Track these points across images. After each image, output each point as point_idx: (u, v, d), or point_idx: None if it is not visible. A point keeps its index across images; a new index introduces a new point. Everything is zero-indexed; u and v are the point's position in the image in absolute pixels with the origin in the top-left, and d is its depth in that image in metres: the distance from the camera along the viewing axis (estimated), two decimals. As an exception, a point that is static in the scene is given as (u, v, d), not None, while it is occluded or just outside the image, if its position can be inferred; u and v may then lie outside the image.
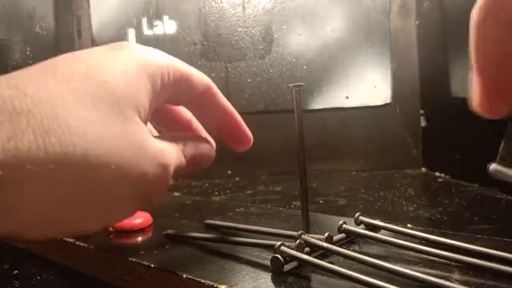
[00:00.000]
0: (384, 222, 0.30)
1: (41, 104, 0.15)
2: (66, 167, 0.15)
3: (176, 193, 0.49)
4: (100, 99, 0.17)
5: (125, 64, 0.19)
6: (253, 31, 0.64)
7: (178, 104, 0.25)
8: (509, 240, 0.27)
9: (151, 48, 0.22)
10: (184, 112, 0.27)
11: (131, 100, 0.18)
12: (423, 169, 0.62)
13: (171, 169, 0.21)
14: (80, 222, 0.18)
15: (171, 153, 0.21)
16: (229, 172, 0.61)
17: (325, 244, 0.25)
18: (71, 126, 0.16)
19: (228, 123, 0.26)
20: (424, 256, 0.25)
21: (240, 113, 0.27)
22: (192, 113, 0.27)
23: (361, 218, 0.30)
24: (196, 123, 0.27)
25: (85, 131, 0.16)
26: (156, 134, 0.24)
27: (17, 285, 0.29)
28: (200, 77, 0.24)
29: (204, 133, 0.27)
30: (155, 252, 0.28)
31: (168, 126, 0.27)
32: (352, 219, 0.31)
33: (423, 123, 0.63)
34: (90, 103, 0.17)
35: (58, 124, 0.15)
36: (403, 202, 0.41)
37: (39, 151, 0.15)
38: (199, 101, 0.24)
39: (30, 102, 0.15)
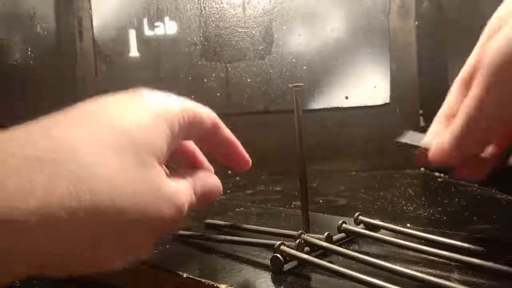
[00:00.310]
0: (384, 222, 0.30)
1: (71, 152, 0.16)
2: (95, 213, 0.16)
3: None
4: (122, 148, 0.18)
5: (143, 113, 0.21)
6: (253, 32, 0.64)
7: (188, 139, 0.27)
8: (508, 240, 0.27)
9: (166, 94, 0.24)
10: (189, 143, 0.28)
11: (150, 147, 0.20)
12: (423, 169, 0.62)
13: (185, 208, 0.22)
14: (101, 261, 0.19)
15: (185, 192, 0.22)
16: (229, 172, 0.62)
17: (324, 244, 0.25)
18: (98, 173, 0.17)
19: (229, 151, 0.28)
20: (424, 255, 0.25)
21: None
22: (197, 144, 0.28)
23: (361, 218, 0.30)
24: (199, 154, 0.29)
25: (111, 178, 0.17)
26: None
27: (18, 285, 0.29)
28: (208, 114, 0.25)
29: (206, 163, 0.29)
30: (155, 251, 0.28)
31: (174, 158, 0.28)
32: (352, 219, 0.31)
33: (422, 123, 0.63)
34: (112, 151, 0.18)
35: (87, 172, 0.16)
36: (403, 202, 0.42)
37: (71, 198, 0.15)
38: (206, 134, 0.26)
39: (61, 150, 0.16)
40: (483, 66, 0.22)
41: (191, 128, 0.24)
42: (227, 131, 0.27)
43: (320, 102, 0.64)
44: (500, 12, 0.24)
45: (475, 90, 0.23)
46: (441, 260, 0.24)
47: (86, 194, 0.16)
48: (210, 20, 0.64)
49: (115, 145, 0.18)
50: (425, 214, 0.37)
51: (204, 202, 0.25)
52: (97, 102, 0.21)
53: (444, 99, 0.30)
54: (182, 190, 0.22)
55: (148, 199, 0.19)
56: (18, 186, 0.15)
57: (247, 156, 0.29)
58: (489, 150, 0.26)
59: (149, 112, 0.21)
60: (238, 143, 0.28)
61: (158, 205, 0.19)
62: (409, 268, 0.21)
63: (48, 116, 0.19)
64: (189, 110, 0.23)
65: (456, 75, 0.29)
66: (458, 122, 0.24)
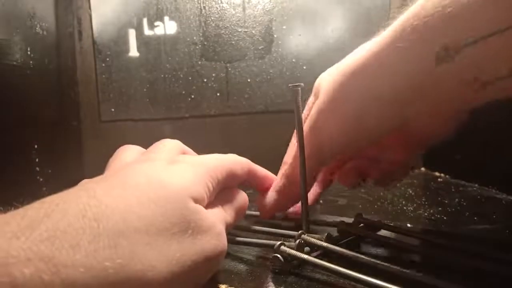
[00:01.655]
0: (384, 222, 0.30)
1: (114, 211, 0.18)
2: (132, 263, 0.17)
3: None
4: (160, 196, 0.19)
5: (181, 173, 0.22)
6: (253, 31, 0.64)
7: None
8: (508, 240, 0.27)
9: (199, 158, 0.25)
10: None
11: (189, 192, 0.21)
12: (423, 169, 0.62)
13: (224, 235, 0.22)
14: None
15: (218, 218, 0.23)
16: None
17: (324, 244, 0.25)
18: (136, 226, 0.18)
19: (261, 184, 0.32)
20: (424, 255, 0.25)
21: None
22: None
23: (361, 218, 0.30)
24: None
25: (147, 227, 0.18)
26: None
27: None
28: (242, 167, 0.28)
29: None
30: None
31: None
32: (352, 219, 0.31)
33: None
34: (151, 202, 0.19)
35: (126, 227, 0.17)
36: (403, 202, 0.42)
37: (111, 250, 0.16)
38: (242, 180, 0.28)
39: (106, 209, 0.17)
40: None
41: (227, 182, 0.26)
42: (259, 171, 0.31)
43: (320, 102, 0.64)
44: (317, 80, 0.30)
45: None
46: (441, 260, 0.24)
47: (125, 248, 0.17)
48: (210, 19, 0.64)
49: (153, 197, 0.19)
50: (425, 214, 0.37)
51: (238, 219, 0.27)
52: (140, 168, 0.22)
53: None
54: (216, 217, 0.23)
55: (186, 237, 0.19)
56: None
57: (272, 176, 0.32)
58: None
59: (186, 173, 0.22)
60: (266, 174, 0.32)
61: (202, 244, 0.20)
62: (409, 269, 0.21)
63: (91, 179, 0.21)
64: (224, 169, 0.25)
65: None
66: (278, 181, 0.32)
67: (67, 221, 0.16)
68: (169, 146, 0.26)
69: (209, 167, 0.24)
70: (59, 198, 0.17)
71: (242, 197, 0.27)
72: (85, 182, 0.21)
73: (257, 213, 0.36)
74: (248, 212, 0.36)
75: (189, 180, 0.22)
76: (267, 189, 0.32)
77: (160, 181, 0.20)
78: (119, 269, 0.16)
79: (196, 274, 0.20)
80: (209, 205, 0.23)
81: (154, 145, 0.26)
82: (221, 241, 0.21)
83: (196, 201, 0.21)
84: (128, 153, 0.26)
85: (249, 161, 0.29)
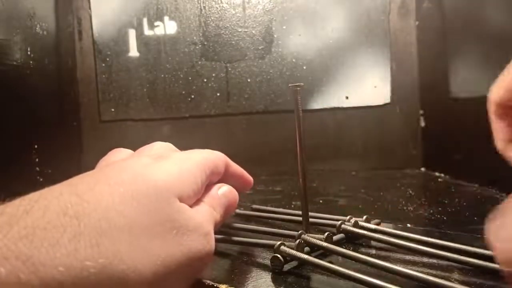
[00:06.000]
0: (384, 222, 0.30)
1: (95, 208, 0.17)
2: (115, 263, 0.17)
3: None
4: (143, 194, 0.19)
5: (167, 169, 0.21)
6: (253, 31, 0.64)
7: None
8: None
9: (186, 154, 0.25)
10: None
11: (174, 189, 0.20)
12: (423, 169, 0.62)
13: (212, 234, 0.22)
14: None
15: (206, 217, 0.22)
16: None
17: (324, 244, 0.25)
18: (118, 225, 0.17)
19: (236, 180, 0.29)
20: (423, 256, 0.25)
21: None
22: None
23: (360, 218, 0.30)
24: None
25: (130, 226, 0.18)
26: None
27: None
28: (222, 160, 0.27)
29: None
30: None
31: None
32: (352, 219, 0.31)
33: (422, 123, 0.63)
34: (134, 199, 0.18)
35: (109, 225, 0.17)
36: (403, 202, 0.41)
37: (93, 250, 0.16)
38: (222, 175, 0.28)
39: (87, 207, 0.17)
40: None
41: (213, 177, 0.25)
42: (234, 165, 0.29)
43: (320, 102, 0.64)
44: None
45: None
46: (441, 260, 0.24)
47: (107, 245, 0.16)
48: (210, 19, 0.64)
49: (138, 195, 0.19)
50: (425, 214, 0.37)
51: (226, 216, 0.26)
52: (126, 163, 0.21)
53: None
54: (203, 216, 0.22)
55: (170, 237, 0.19)
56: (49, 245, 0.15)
57: (249, 178, 0.31)
58: None
59: (174, 169, 0.22)
60: (242, 171, 0.30)
61: (187, 244, 0.20)
62: (409, 269, 0.21)
63: (76, 176, 0.20)
64: (210, 164, 0.25)
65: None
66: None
67: (47, 218, 0.15)
68: (158, 146, 0.26)
69: (196, 162, 0.23)
70: (39, 194, 0.17)
71: (232, 193, 0.27)
72: (71, 179, 0.21)
73: (250, 212, 0.36)
74: (237, 211, 0.36)
75: (175, 177, 0.21)
76: (241, 188, 0.30)
77: (144, 178, 0.20)
78: (101, 269, 0.16)
79: (181, 275, 0.19)
80: (198, 202, 0.23)
81: (144, 146, 0.26)
82: (208, 242, 0.21)
83: (182, 199, 0.21)
84: (118, 154, 0.26)
85: (224, 155, 0.28)
